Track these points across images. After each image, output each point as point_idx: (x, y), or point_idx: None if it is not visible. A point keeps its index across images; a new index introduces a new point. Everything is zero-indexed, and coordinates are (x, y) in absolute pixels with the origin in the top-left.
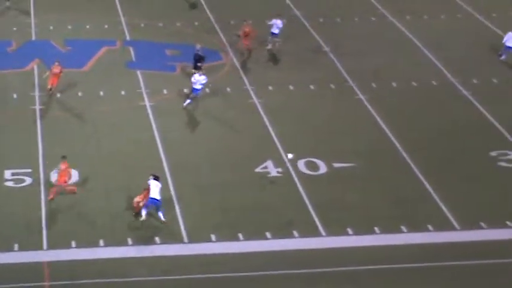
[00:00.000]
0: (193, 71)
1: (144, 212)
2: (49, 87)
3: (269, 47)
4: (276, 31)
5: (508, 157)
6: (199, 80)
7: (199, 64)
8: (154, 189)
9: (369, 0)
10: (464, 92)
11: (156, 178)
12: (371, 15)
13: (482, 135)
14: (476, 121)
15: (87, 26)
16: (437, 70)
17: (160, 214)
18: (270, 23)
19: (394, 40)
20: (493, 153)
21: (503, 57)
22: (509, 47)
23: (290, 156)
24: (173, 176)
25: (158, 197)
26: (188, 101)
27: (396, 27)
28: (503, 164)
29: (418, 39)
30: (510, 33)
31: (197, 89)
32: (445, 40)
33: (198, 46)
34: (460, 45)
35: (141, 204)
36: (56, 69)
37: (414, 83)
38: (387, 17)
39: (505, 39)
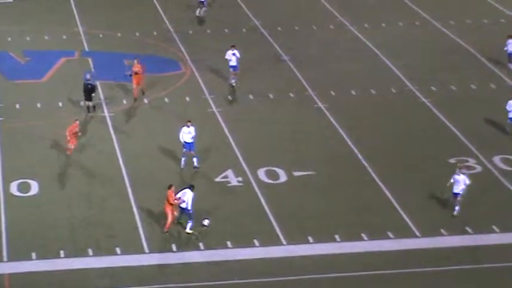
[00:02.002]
0: (87, 103)
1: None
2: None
3: (232, 82)
4: (235, 63)
5: (467, 164)
6: (189, 131)
7: (93, 94)
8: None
9: (327, 8)
10: (423, 99)
11: (191, 187)
12: (329, 24)
13: (441, 142)
14: (435, 128)
15: (46, 37)
16: (396, 78)
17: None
18: (227, 57)
19: (352, 48)
20: (452, 160)
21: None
22: (510, 53)
23: (206, 222)
24: (133, 186)
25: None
26: (182, 160)
27: (355, 35)
28: (462, 170)
29: (376, 47)
30: (509, 40)
31: (189, 143)
32: (404, 48)
33: (88, 75)
34: (418, 52)
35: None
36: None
37: (373, 91)
38: (346, 25)
39: (506, 47)
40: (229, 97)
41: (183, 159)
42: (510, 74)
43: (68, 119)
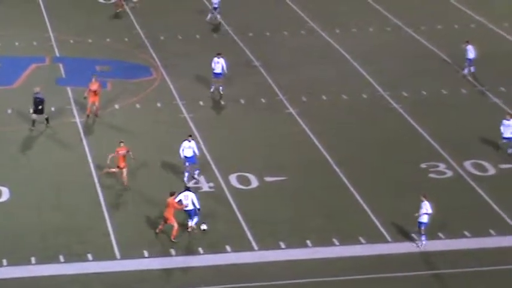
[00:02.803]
0: (34, 116)
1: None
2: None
3: (218, 88)
4: (219, 71)
5: (438, 169)
6: (190, 145)
7: (40, 107)
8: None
9: (298, 14)
10: (394, 105)
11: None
12: (300, 29)
13: (412, 148)
14: (407, 133)
15: (16, 43)
16: (367, 83)
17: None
18: (213, 66)
19: (323, 53)
20: (424, 165)
21: (472, 70)
22: (470, 59)
23: (204, 227)
24: (104, 192)
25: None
26: (186, 175)
27: (325, 41)
28: (433, 175)
29: (347, 53)
30: (466, 46)
31: (189, 158)
32: (375, 53)
33: (37, 89)
34: (389, 58)
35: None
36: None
37: (344, 96)
38: (316, 30)
39: (466, 54)
40: (221, 102)
41: (186, 174)
42: (474, 78)
43: (39, 124)
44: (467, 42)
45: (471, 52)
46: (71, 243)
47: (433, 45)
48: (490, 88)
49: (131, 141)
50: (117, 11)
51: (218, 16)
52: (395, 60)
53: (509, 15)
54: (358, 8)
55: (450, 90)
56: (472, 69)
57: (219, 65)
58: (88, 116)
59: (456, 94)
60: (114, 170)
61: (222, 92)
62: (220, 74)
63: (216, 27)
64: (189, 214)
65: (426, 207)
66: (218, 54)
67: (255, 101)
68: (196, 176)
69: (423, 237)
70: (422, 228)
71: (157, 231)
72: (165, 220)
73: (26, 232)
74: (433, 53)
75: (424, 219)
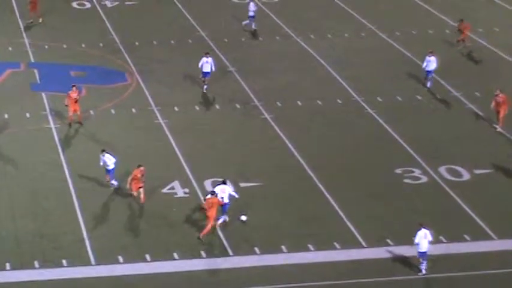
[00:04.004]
0: None
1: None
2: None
3: (205, 89)
4: (207, 70)
5: (413, 174)
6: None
7: None
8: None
9: (273, 19)
10: (369, 110)
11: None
12: (276, 35)
13: (387, 153)
14: (382, 139)
15: None
16: (342, 88)
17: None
18: (200, 64)
19: (298, 59)
20: (398, 171)
21: (429, 85)
22: (429, 72)
23: (244, 218)
24: (79, 197)
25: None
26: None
27: (300, 46)
28: (408, 181)
29: (322, 58)
30: (427, 57)
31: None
32: (350, 58)
33: None
34: (364, 63)
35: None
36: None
37: (319, 102)
38: (292, 36)
39: (424, 64)
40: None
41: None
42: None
43: (14, 129)
44: (431, 53)
45: (432, 64)
46: (46, 249)
47: (408, 51)
48: (465, 93)
49: (106, 147)
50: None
51: (253, 24)
52: (370, 65)
53: (484, 20)
54: (333, 14)
55: (425, 96)
56: (429, 83)
57: (208, 64)
58: (70, 124)
59: (431, 99)
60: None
61: (206, 89)
62: (208, 73)
63: (254, 34)
64: (224, 209)
65: (425, 234)
66: (206, 54)
67: (230, 106)
68: (113, 182)
69: (423, 265)
70: (423, 257)
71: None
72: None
73: (1, 238)
74: (408, 58)
75: (424, 247)
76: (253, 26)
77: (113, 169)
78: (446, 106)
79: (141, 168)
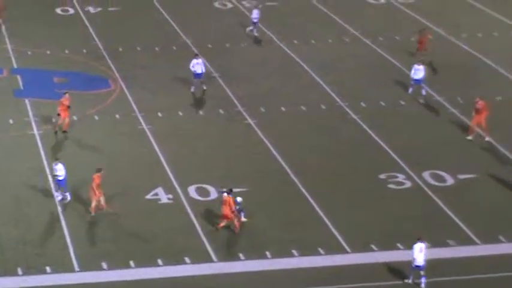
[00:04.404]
0: None
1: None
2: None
3: (202, 87)
4: (199, 71)
5: (397, 179)
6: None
7: None
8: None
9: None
10: (353, 116)
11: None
12: (259, 40)
13: (371, 158)
14: (365, 144)
15: None
16: (326, 94)
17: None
18: (191, 65)
19: (282, 65)
20: (382, 176)
21: (423, 92)
22: (417, 80)
23: (239, 199)
24: (63, 205)
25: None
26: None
27: (284, 52)
28: (392, 186)
29: (306, 64)
30: (416, 65)
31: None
32: (333, 64)
33: None
34: (348, 68)
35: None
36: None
37: (303, 107)
38: (275, 41)
39: (412, 72)
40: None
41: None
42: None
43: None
44: (420, 62)
45: (420, 72)
46: (30, 256)
47: (391, 56)
48: (448, 99)
49: (90, 153)
50: None
51: (255, 30)
52: (353, 71)
53: (467, 26)
54: (316, 19)
55: (408, 101)
56: (423, 91)
57: (199, 66)
58: (56, 132)
59: (414, 105)
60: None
61: (205, 88)
62: (201, 74)
63: (256, 40)
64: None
65: (421, 248)
66: (196, 55)
67: (214, 111)
68: (63, 196)
69: (423, 279)
70: (421, 271)
71: (218, 227)
72: (225, 217)
73: None
74: (392, 63)
75: (420, 261)
76: (254, 32)
77: (63, 180)
78: (429, 111)
79: (101, 172)
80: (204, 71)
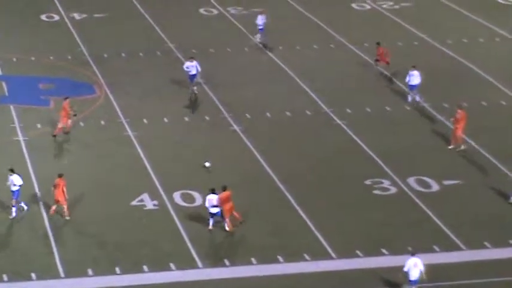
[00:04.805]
0: None
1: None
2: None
3: (194, 89)
4: (194, 72)
5: (382, 185)
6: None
7: None
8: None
9: (241, 31)
10: (338, 121)
11: (213, 192)
12: (244, 46)
13: (356, 164)
14: (351, 150)
15: None
16: (311, 100)
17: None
18: (185, 66)
19: (267, 70)
20: (368, 182)
21: (417, 98)
22: (413, 86)
23: (208, 164)
24: (48, 210)
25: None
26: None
27: (269, 58)
28: (377, 192)
29: (291, 70)
30: (410, 71)
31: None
32: (319, 70)
33: None
34: (333, 74)
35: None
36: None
37: (288, 113)
38: (260, 47)
39: (407, 79)
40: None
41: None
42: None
43: None
44: (414, 68)
45: (416, 78)
46: (15, 263)
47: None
48: (433, 105)
49: (75, 159)
50: None
51: (258, 37)
52: (339, 77)
53: (452, 32)
54: (302, 25)
55: (394, 107)
56: (418, 98)
57: (193, 68)
58: (55, 136)
59: (400, 111)
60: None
61: (196, 92)
62: (195, 75)
63: (265, 46)
64: (214, 216)
65: (415, 263)
66: (191, 58)
67: (199, 118)
68: (21, 205)
69: None
70: (414, 285)
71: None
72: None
73: None
74: (377, 70)
75: (414, 276)
76: (258, 39)
77: (17, 191)
78: (415, 117)
79: (63, 177)
80: (199, 70)
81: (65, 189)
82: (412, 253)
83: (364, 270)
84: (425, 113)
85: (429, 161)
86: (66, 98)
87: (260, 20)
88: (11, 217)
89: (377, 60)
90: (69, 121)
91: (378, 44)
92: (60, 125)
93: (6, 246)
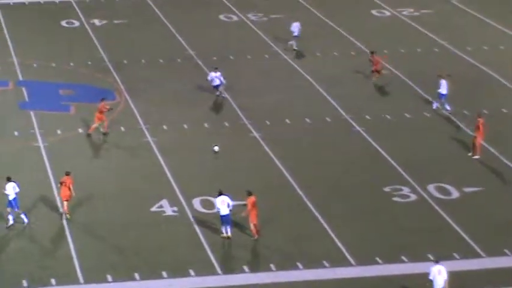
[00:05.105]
0: None
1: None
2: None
3: (222, 94)
4: (218, 83)
5: (402, 192)
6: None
7: None
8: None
9: (261, 38)
10: (358, 128)
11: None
12: (264, 53)
13: (376, 171)
14: (370, 157)
15: None
16: (331, 107)
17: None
18: (209, 77)
19: (287, 77)
20: (387, 189)
21: (447, 108)
22: (443, 95)
23: (216, 148)
24: (67, 216)
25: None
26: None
27: (289, 65)
28: (397, 199)
29: (311, 76)
30: (442, 80)
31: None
32: (338, 77)
33: None
34: (353, 81)
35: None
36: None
37: (308, 120)
38: (280, 54)
39: (440, 89)
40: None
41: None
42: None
43: (2, 147)
44: (440, 77)
45: (443, 87)
46: (34, 269)
47: (396, 69)
48: (453, 111)
49: (95, 165)
50: None
51: (294, 44)
52: (358, 83)
53: (473, 39)
54: (322, 32)
55: (413, 114)
56: (447, 107)
57: (217, 78)
58: (106, 133)
59: (419, 118)
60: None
61: (224, 96)
62: (219, 85)
63: (298, 54)
64: (224, 220)
65: (439, 271)
66: (215, 69)
67: (219, 124)
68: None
69: None
70: None
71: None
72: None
73: None
74: (397, 76)
75: (439, 284)
76: (295, 46)
77: (14, 199)
78: (434, 124)
79: (70, 175)
80: (223, 82)
81: (71, 188)
82: (435, 260)
83: (383, 277)
84: (444, 120)
85: (449, 167)
86: (102, 100)
87: (295, 27)
88: (7, 225)
89: (374, 71)
90: (106, 122)
91: (372, 53)
92: (94, 125)
93: (26, 251)
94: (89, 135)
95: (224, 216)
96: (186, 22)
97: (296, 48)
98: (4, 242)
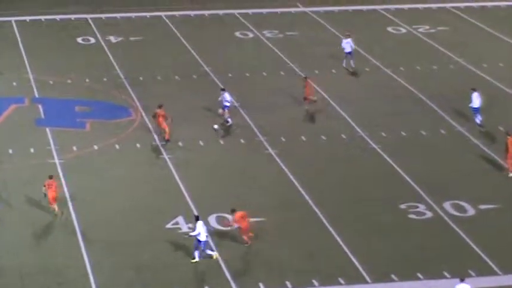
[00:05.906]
0: None
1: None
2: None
3: (228, 120)
4: (228, 104)
5: (418, 209)
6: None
7: None
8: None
9: (277, 54)
10: (373, 145)
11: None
12: (280, 70)
13: (391, 188)
14: (386, 174)
15: None
16: (346, 123)
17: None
18: (220, 98)
19: (302, 94)
20: (403, 206)
21: (478, 120)
22: (476, 109)
23: (216, 126)
24: (84, 233)
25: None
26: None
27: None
28: (413, 216)
29: (326, 93)
30: (475, 93)
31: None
32: (353, 94)
33: None
34: (368, 98)
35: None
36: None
37: (323, 137)
38: (295, 71)
39: (473, 102)
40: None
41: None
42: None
43: (18, 164)
44: (473, 90)
45: (475, 101)
46: (50, 284)
47: (412, 86)
48: (469, 129)
49: (111, 182)
50: None
51: (351, 61)
52: (374, 100)
53: (488, 56)
54: (338, 49)
55: (429, 131)
56: (478, 119)
57: (228, 98)
58: (168, 140)
59: (435, 135)
60: None
61: (230, 122)
62: (228, 106)
63: (353, 73)
64: (200, 244)
65: None
66: (223, 90)
67: (234, 141)
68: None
69: None
70: None
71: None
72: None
73: (4, 273)
74: (412, 93)
75: None
76: (351, 64)
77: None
78: (450, 141)
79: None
80: (231, 103)
81: (56, 190)
82: (461, 279)
83: None
84: (460, 137)
85: (465, 185)
86: (161, 106)
87: (346, 44)
88: None
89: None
90: (167, 129)
91: (305, 78)
92: (167, 130)
93: (42, 268)
94: (168, 141)
95: (203, 241)
96: (202, 39)
97: (353, 66)
98: (20, 258)
